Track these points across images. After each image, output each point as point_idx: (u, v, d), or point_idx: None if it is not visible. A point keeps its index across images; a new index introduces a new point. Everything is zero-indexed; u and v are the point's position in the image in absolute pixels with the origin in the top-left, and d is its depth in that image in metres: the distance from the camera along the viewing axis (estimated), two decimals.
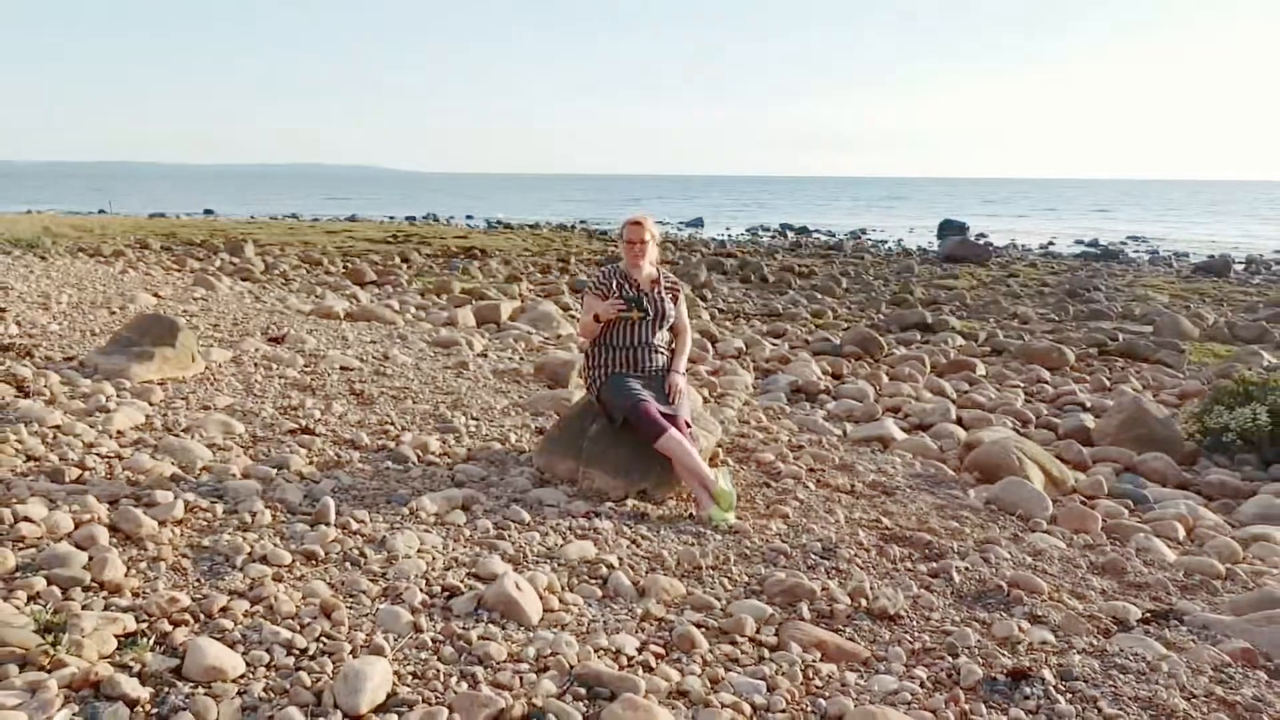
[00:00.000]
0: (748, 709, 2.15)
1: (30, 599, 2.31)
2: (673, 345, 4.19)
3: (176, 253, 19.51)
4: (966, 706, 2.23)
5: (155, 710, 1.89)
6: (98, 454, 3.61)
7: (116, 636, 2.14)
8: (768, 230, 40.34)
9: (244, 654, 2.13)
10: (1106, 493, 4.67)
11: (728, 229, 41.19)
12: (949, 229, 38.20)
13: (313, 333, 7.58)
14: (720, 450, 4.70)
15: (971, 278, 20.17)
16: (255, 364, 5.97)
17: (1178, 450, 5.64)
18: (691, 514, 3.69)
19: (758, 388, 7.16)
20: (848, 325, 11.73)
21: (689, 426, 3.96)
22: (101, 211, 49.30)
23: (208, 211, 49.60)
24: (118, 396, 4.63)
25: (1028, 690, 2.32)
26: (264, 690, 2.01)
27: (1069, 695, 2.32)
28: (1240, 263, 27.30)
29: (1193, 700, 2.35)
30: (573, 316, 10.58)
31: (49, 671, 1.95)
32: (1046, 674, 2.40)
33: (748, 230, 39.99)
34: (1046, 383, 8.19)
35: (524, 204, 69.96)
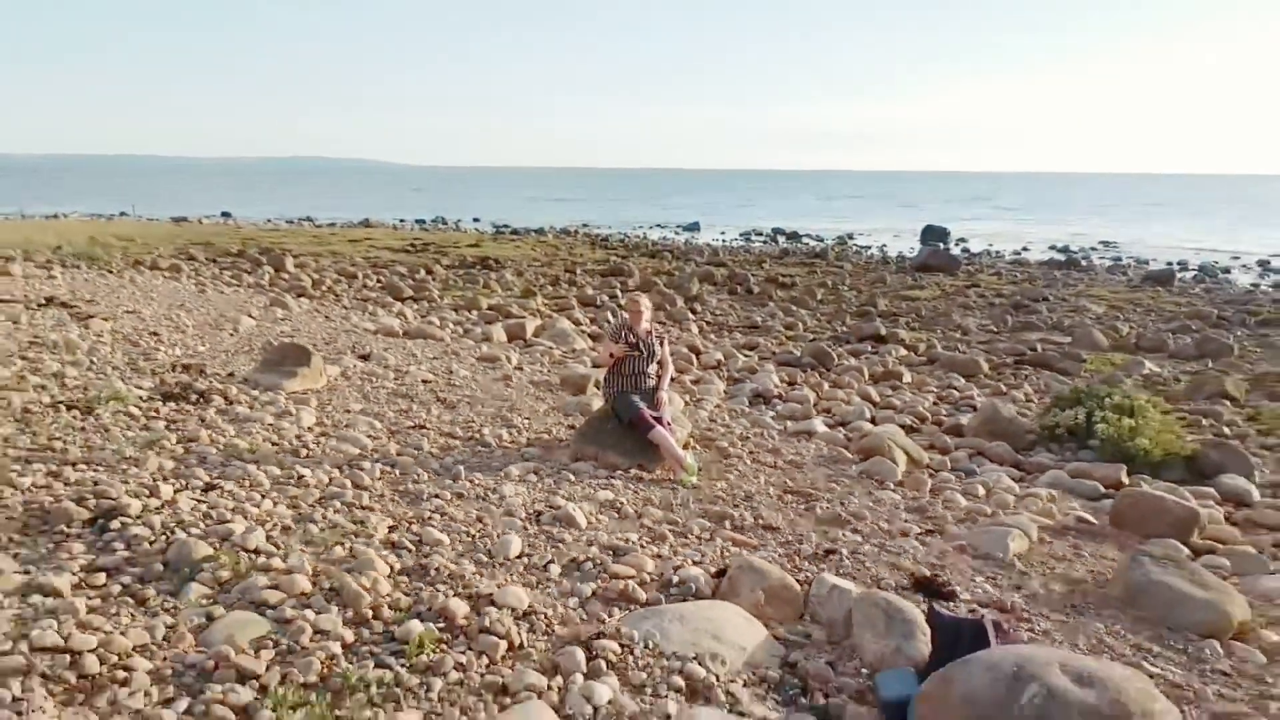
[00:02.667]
0: (692, 561, 4.42)
1: (335, 512, 4.58)
2: (659, 373, 6.47)
3: (222, 264, 21.74)
4: (800, 563, 4.50)
5: (422, 559, 4.16)
6: (309, 442, 5.88)
7: (388, 528, 4.42)
8: (760, 235, 42.47)
9: (449, 536, 4.40)
10: (949, 468, 6.96)
11: (722, 233, 43.31)
12: (931, 234, 40.44)
13: (388, 350, 9.85)
14: (691, 439, 6.97)
15: (937, 288, 22.42)
16: (360, 378, 8.24)
17: (1020, 440, 7.93)
18: (670, 478, 5.96)
19: (728, 394, 9.44)
20: (814, 337, 14.01)
21: (670, 424, 6.24)
22: (124, 214, 51.29)
23: (225, 214, 51.61)
24: (289, 403, 6.90)
25: (833, 559, 4.60)
26: (462, 550, 4.28)
27: (853, 561, 4.59)
28: (1192, 270, 29.58)
29: (917, 563, 4.62)
30: (583, 331, 12.88)
31: (366, 540, 4.22)
32: (844, 551, 4.68)
33: (741, 235, 42.14)
34: (956, 389, 10.48)
35: (523, 202, 71.84)
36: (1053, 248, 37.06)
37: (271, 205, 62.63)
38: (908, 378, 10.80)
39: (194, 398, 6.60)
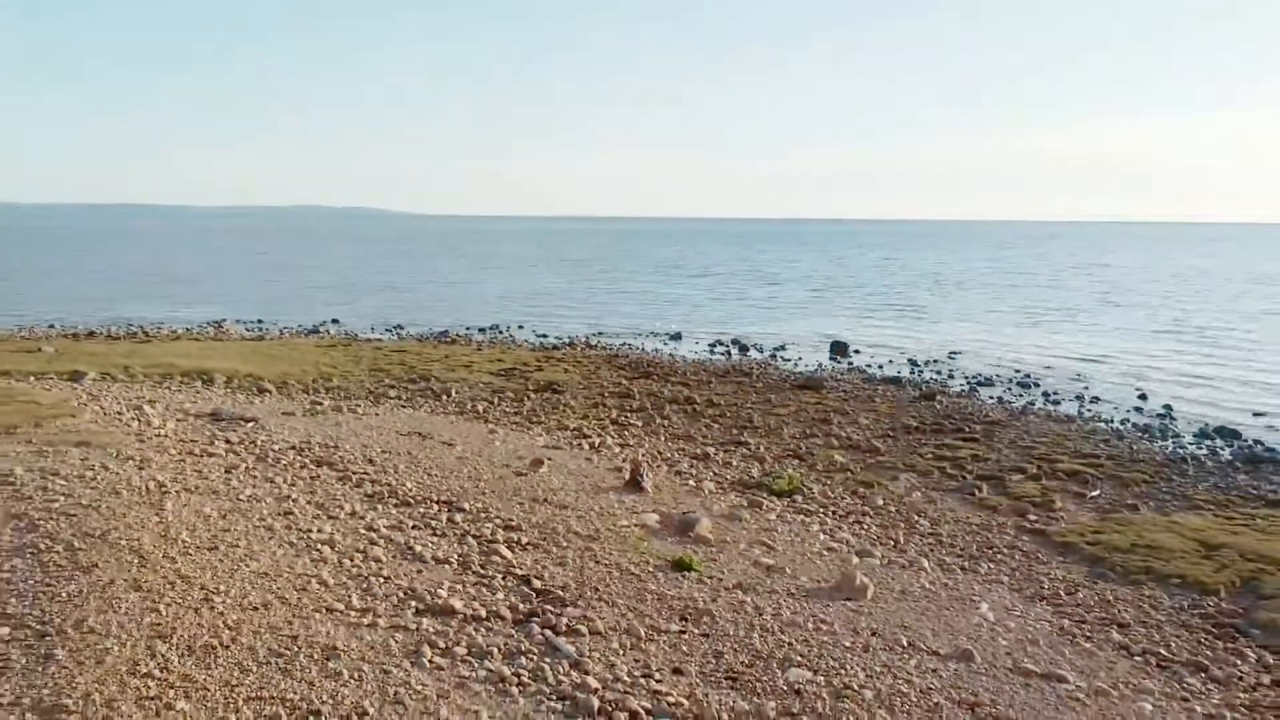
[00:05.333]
0: (651, 508, 23.44)
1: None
2: (645, 472, 25.54)
3: (414, 389, 40.72)
4: (673, 510, 23.58)
5: (620, 507, 23.18)
6: (567, 483, 24.90)
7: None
8: (723, 345, 61.31)
9: (615, 503, 23.44)
10: (720, 494, 26.01)
11: (697, 342, 62.24)
12: (835, 349, 59.45)
13: (555, 458, 28.72)
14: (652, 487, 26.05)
15: (798, 403, 40.95)
16: (555, 470, 27.16)
17: (752, 486, 26.96)
18: (646, 496, 25.01)
19: (666, 473, 28.41)
20: (708, 442, 32.89)
21: (648, 480, 25.37)
22: (260, 322, 70.50)
23: (334, 320, 70.50)
24: (545, 474, 25.88)
25: (679, 508, 23.66)
26: (622, 502, 23.32)
27: (683, 512, 23.66)
28: (970, 384, 48.14)
29: (689, 510, 23.68)
30: (618, 443, 31.88)
31: (616, 493, 23.29)
32: (681, 509, 23.76)
33: (709, 346, 60.91)
34: (749, 468, 29.42)
35: (531, 303, 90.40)
36: (909, 360, 55.76)
37: (363, 309, 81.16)
38: (735, 463, 29.88)
39: (540, 472, 25.61)
